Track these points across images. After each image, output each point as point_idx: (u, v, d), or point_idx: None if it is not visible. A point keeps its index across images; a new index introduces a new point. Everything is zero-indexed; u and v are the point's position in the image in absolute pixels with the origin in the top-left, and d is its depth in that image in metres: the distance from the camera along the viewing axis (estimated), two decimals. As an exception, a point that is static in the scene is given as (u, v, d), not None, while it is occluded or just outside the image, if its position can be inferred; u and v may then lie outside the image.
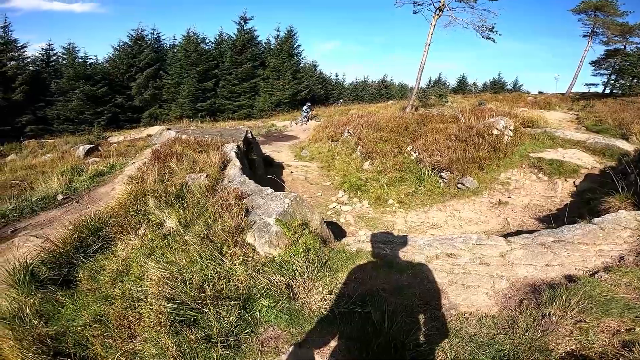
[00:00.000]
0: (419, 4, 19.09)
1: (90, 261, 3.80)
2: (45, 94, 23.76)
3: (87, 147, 11.07)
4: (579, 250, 3.34)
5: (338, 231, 6.00)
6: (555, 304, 2.50)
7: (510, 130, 8.93)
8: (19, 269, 3.44)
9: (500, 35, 18.12)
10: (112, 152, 10.53)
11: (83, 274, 3.62)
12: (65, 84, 23.97)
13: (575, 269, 3.09)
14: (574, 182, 7.06)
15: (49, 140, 17.00)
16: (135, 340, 2.63)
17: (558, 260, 3.23)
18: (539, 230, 4.01)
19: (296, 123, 20.21)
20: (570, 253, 3.30)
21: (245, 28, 29.85)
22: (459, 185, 7.54)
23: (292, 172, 9.96)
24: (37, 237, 5.05)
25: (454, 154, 8.16)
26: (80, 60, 26.20)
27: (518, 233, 4.97)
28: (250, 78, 29.01)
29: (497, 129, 8.75)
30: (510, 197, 6.99)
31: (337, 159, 10.60)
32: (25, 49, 24.66)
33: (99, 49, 75.16)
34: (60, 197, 6.89)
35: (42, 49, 26.34)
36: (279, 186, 5.44)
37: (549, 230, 3.84)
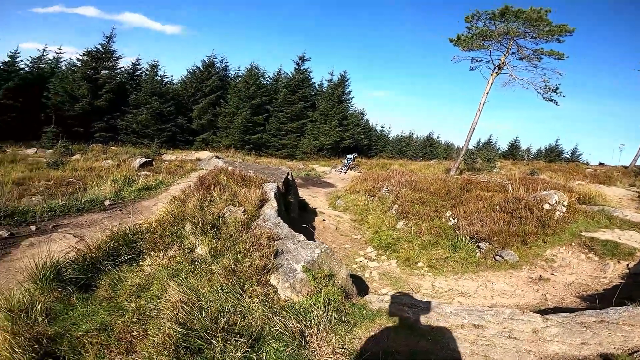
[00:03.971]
0: (477, 61, 18.74)
1: (116, 270, 3.88)
2: (123, 105, 25.88)
3: (143, 160, 11.96)
4: (622, 331, 3.17)
5: (361, 286, 5.90)
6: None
7: (563, 206, 8.50)
8: (48, 266, 3.50)
9: (564, 97, 17.14)
10: (163, 169, 11.26)
11: (104, 282, 3.68)
12: (141, 98, 25.96)
13: (614, 348, 2.97)
14: (627, 265, 6.63)
15: (113, 148, 18.68)
16: (131, 355, 2.60)
17: (596, 339, 3.10)
18: (580, 309, 3.92)
19: (336, 171, 20.51)
20: (611, 333, 3.16)
21: (302, 68, 31.51)
22: (497, 257, 7.23)
23: (324, 220, 9.94)
24: (74, 236, 5.39)
25: (496, 225, 7.86)
26: (158, 78, 28.62)
27: (556, 310, 4.87)
28: (299, 118, 30.18)
29: (548, 203, 8.37)
30: (553, 274, 6.62)
31: (371, 213, 10.49)
32: (119, 60, 27.15)
33: (176, 69, 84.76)
34: (107, 202, 7.36)
35: (132, 62, 29.33)
36: (309, 234, 5.46)
37: (592, 310, 3.69)
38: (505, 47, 17.50)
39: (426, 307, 3.73)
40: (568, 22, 15.87)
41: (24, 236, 5.34)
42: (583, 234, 7.65)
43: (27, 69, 25.99)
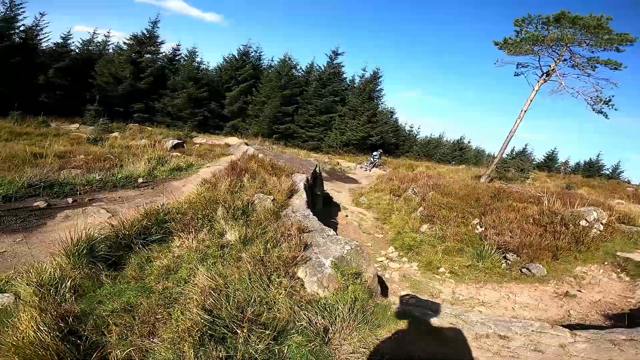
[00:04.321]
0: (523, 66, 17.58)
1: (146, 250, 3.85)
2: (162, 88, 26.85)
3: (175, 141, 12.35)
4: None
5: (381, 286, 5.85)
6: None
7: (601, 224, 8.24)
8: (83, 240, 3.45)
9: (615, 109, 15.71)
10: (193, 152, 11.56)
11: (134, 260, 3.64)
12: (178, 83, 26.78)
13: None
14: None
15: (148, 128, 19.42)
16: (153, 338, 2.59)
17: (623, 356, 3.08)
18: (603, 327, 3.95)
19: (361, 167, 20.30)
20: (639, 352, 3.11)
21: (334, 62, 31.22)
22: (524, 269, 7.07)
23: (347, 216, 9.88)
24: (107, 211, 5.48)
25: (527, 237, 7.65)
26: (195, 64, 29.42)
27: (579, 326, 4.94)
28: (328, 112, 29.94)
29: (586, 220, 8.13)
30: (580, 291, 6.50)
31: (395, 214, 10.32)
32: (161, 45, 28.14)
33: (213, 56, 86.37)
34: (140, 180, 7.62)
35: (172, 48, 30.16)
36: (331, 227, 5.43)
37: (622, 329, 3.67)
38: (557, 53, 16.30)
39: (451, 313, 3.69)
40: (630, 31, 14.51)
41: (60, 208, 5.45)
42: (618, 253, 7.48)
43: (77, 50, 27.19)
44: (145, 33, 26.89)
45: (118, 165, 8.48)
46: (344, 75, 32.12)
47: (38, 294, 2.81)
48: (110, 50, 28.52)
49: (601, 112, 16.10)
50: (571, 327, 4.03)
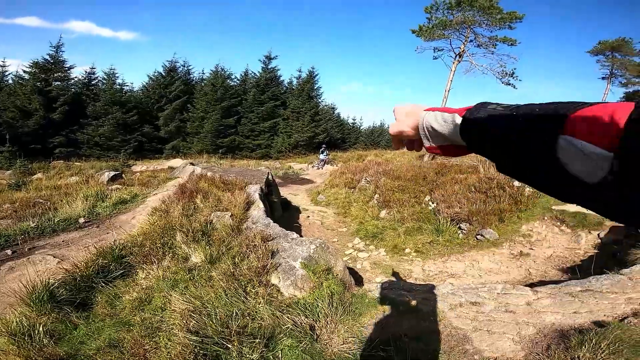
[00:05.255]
0: (439, 50, 19.47)
1: (110, 287, 3.80)
2: (81, 117, 24.39)
3: (112, 173, 11.43)
4: (607, 299, 3.41)
5: (355, 276, 6.00)
6: (585, 347, 2.54)
7: None
8: (40, 288, 3.39)
9: (520, 80, 18.09)
10: (135, 181, 10.83)
11: (100, 299, 3.60)
12: (100, 109, 24.48)
13: (604, 315, 3.15)
14: (598, 235, 6.96)
15: (76, 163, 17.64)
16: None
17: (586, 308, 3.32)
18: (564, 281, 4.15)
19: (313, 167, 20.55)
20: (598, 301, 3.38)
21: (269, 67, 31.12)
22: (479, 236, 7.51)
23: (308, 217, 9.99)
24: (54, 257, 5.14)
25: (473, 205, 8.19)
26: (117, 86, 26.96)
27: (541, 283, 5.12)
28: (271, 118, 29.83)
29: None
30: (531, 249, 6.92)
31: (353, 205, 10.63)
32: (71, 70, 25.47)
33: (135, 76, 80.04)
34: (82, 220, 7.03)
35: (85, 72, 27.27)
36: (296, 231, 5.48)
37: (576, 280, 3.95)
38: (464, 35, 18.28)
39: (424, 289, 3.88)
40: (518, 9, 16.82)
41: (1, 261, 5.09)
42: (553, 207, 7.96)
43: (-32, 85, 23.92)
44: (49, 59, 24.38)
45: (52, 209, 7.74)
46: (282, 79, 32.33)
47: (14, 343, 2.76)
48: (10, 81, 25.27)
49: (509, 84, 18.30)
50: (534, 285, 4.39)
